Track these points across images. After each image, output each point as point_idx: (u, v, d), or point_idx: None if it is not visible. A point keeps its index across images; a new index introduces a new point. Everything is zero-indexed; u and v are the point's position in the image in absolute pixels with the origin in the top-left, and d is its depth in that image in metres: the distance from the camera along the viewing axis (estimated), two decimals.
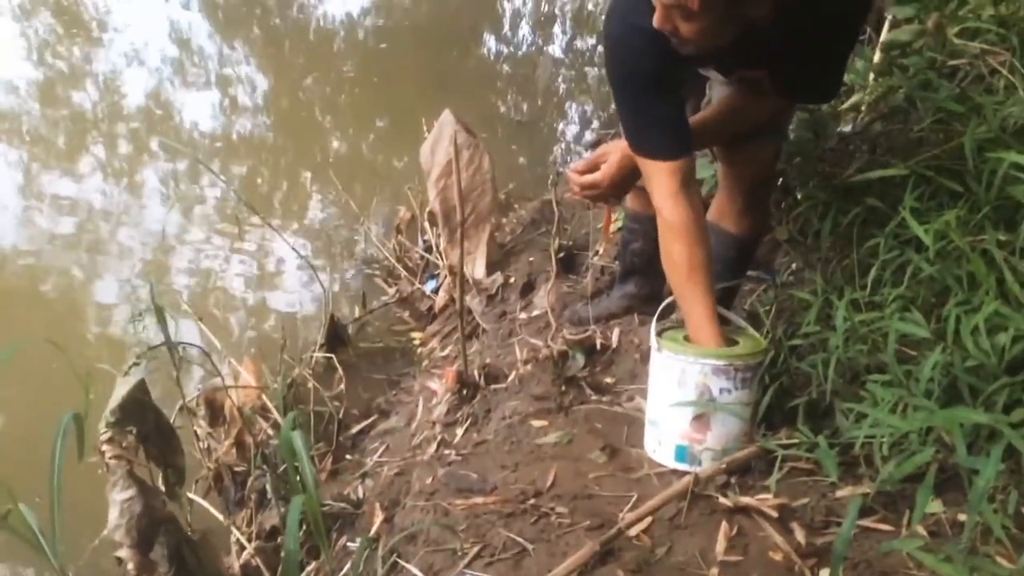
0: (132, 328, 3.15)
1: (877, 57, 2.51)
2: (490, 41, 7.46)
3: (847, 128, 2.50)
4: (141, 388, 2.02)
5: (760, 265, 2.65)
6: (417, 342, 3.49)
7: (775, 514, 1.64)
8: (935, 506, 1.53)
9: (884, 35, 2.57)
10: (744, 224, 2.13)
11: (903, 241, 1.85)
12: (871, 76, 2.51)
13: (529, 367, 2.51)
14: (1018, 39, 2.06)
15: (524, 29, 7.87)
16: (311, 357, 3.12)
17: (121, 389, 1.99)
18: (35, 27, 6.87)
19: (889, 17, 2.54)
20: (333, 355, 3.10)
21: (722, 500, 1.70)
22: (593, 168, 2.06)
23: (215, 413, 2.60)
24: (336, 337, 3.33)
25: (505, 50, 7.37)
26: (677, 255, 1.83)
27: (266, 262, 4.11)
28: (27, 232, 4.18)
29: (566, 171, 2.10)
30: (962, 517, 1.50)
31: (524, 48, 7.38)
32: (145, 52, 6.41)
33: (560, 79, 6.67)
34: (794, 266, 2.32)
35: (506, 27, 7.92)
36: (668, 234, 1.85)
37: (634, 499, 1.78)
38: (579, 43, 7.32)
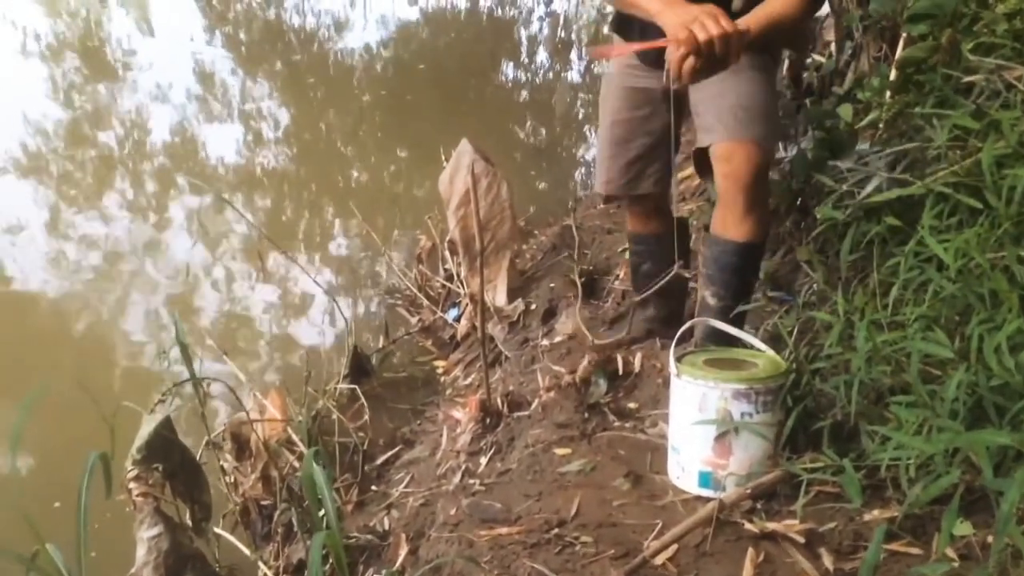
0: (158, 364, 3.18)
1: (893, 75, 2.51)
2: (508, 69, 7.53)
3: (865, 146, 2.49)
4: (167, 425, 2.05)
5: (781, 286, 2.64)
6: (440, 371, 3.50)
7: (802, 539, 1.62)
8: (964, 528, 1.50)
9: (899, 53, 2.56)
10: (745, 228, 2.13)
11: (923, 259, 1.83)
12: (887, 94, 2.50)
13: (552, 394, 2.50)
14: None
15: (541, 56, 7.94)
16: (335, 388, 3.14)
17: (147, 426, 2.02)
18: (62, 68, 7.03)
19: (903, 35, 2.53)
20: (357, 386, 3.11)
21: (748, 526, 1.68)
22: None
23: (241, 447, 2.62)
24: (360, 368, 3.35)
25: (523, 77, 7.43)
26: None
27: (289, 294, 4.14)
28: (54, 270, 4.25)
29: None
30: (992, 540, 1.47)
31: (541, 75, 7.44)
32: (169, 90, 6.53)
33: (578, 104, 6.71)
34: (815, 287, 2.30)
35: (523, 55, 8.00)
36: None
37: (659, 527, 1.77)
38: (596, 68, 7.36)
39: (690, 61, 1.85)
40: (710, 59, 1.85)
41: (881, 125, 2.55)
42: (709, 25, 1.82)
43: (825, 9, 3.24)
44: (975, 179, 1.83)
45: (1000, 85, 2.01)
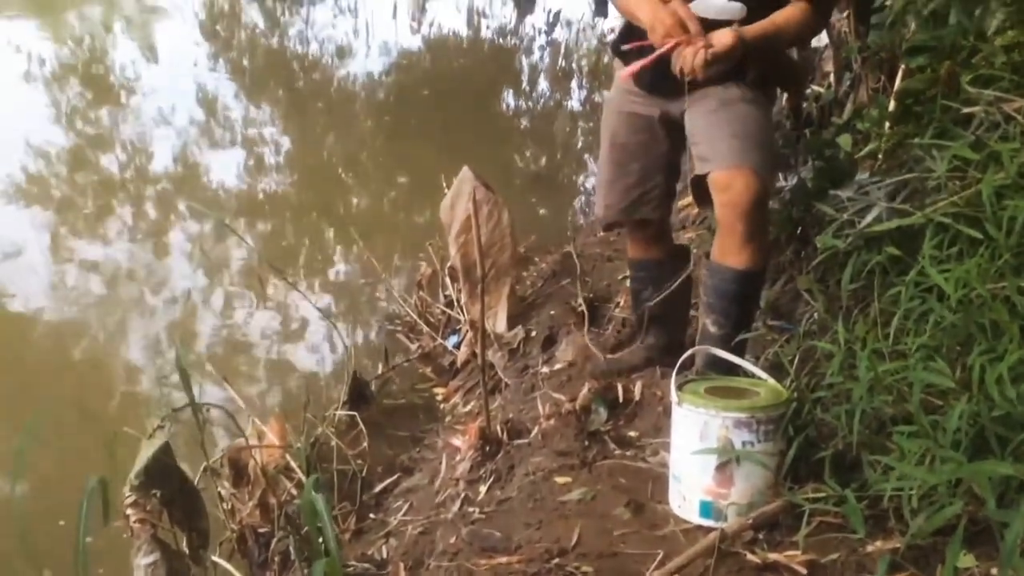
0: (157, 389, 3.18)
1: (892, 105, 2.53)
2: (508, 97, 7.57)
3: (864, 176, 2.50)
4: (165, 451, 2.04)
5: (782, 315, 2.64)
6: (440, 398, 3.49)
7: (804, 571, 1.61)
8: (967, 560, 1.49)
9: (898, 84, 2.59)
10: (745, 256, 2.14)
11: (924, 289, 1.84)
12: (887, 124, 2.52)
13: (552, 422, 2.50)
14: None
15: (542, 84, 7.99)
16: (334, 415, 3.12)
17: (146, 452, 2.01)
18: (65, 94, 7.07)
19: (902, 67, 2.56)
20: (356, 412, 3.10)
21: (750, 557, 1.67)
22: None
23: (239, 473, 2.60)
24: (359, 394, 3.34)
25: (523, 105, 7.47)
26: None
27: (289, 320, 4.14)
28: (54, 295, 4.25)
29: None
30: (995, 571, 1.46)
31: (542, 103, 7.49)
32: (172, 115, 6.56)
33: (578, 132, 6.74)
34: (816, 316, 2.30)
35: (524, 83, 8.04)
36: None
37: (660, 557, 1.76)
38: (596, 97, 7.41)
39: (690, 55, 1.99)
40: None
41: (881, 155, 2.56)
42: (666, 19, 2.01)
43: (824, 40, 3.28)
44: (975, 209, 1.84)
45: (999, 117, 2.03)
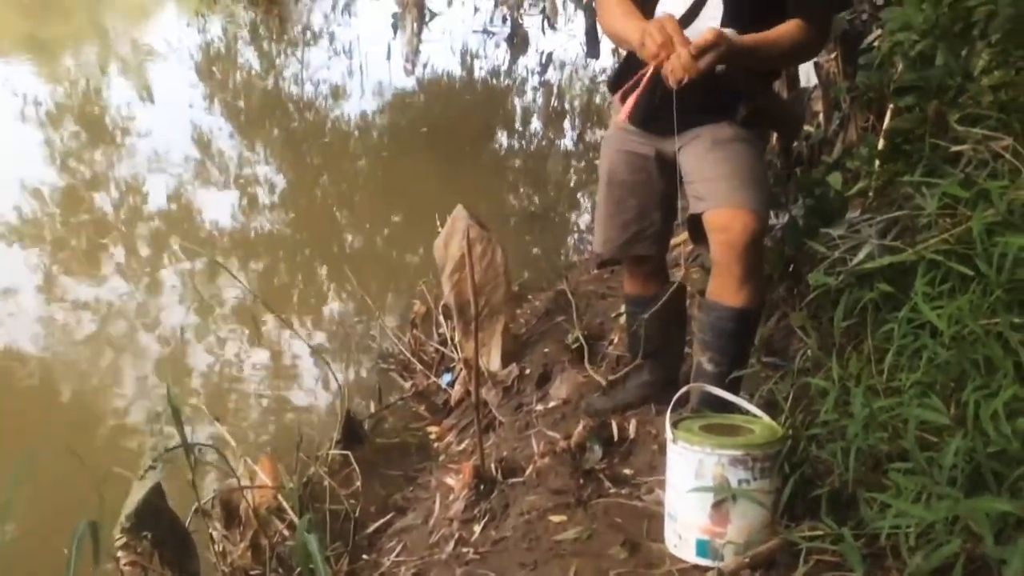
0: (149, 429, 3.15)
1: (881, 144, 2.55)
2: (502, 136, 7.64)
3: (855, 214, 2.52)
4: (156, 492, 2.02)
5: (775, 352, 2.64)
6: (433, 437, 3.47)
7: None
8: None
9: (887, 123, 2.62)
10: (743, 295, 2.14)
11: (917, 326, 1.84)
12: (876, 163, 2.55)
13: (547, 460, 2.48)
14: (1020, 124, 2.09)
15: (535, 124, 8.07)
16: (327, 454, 3.10)
17: (136, 494, 1.99)
18: (60, 134, 7.10)
19: (890, 106, 2.59)
20: (349, 452, 3.08)
21: None
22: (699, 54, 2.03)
23: (231, 515, 2.58)
24: (352, 433, 3.32)
25: (517, 144, 7.54)
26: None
27: (282, 358, 4.12)
28: (45, 334, 4.23)
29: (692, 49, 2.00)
30: None
31: (535, 143, 7.55)
32: (167, 156, 6.59)
33: (571, 171, 6.79)
34: (809, 353, 2.30)
35: (517, 122, 8.12)
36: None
37: None
38: (588, 136, 7.48)
39: (675, 60, 1.97)
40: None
41: (871, 193, 2.58)
42: (655, 34, 1.99)
43: (813, 80, 3.32)
44: (966, 247, 1.85)
45: (987, 155, 2.05)
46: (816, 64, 3.23)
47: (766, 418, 1.95)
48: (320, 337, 4.32)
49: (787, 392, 2.06)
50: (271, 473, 2.77)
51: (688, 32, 2.04)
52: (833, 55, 3.18)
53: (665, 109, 2.08)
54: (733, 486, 1.77)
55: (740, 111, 2.19)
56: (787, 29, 2.11)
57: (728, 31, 2.07)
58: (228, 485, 2.62)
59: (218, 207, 5.84)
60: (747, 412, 2.01)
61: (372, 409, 3.66)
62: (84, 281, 4.80)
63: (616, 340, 3.20)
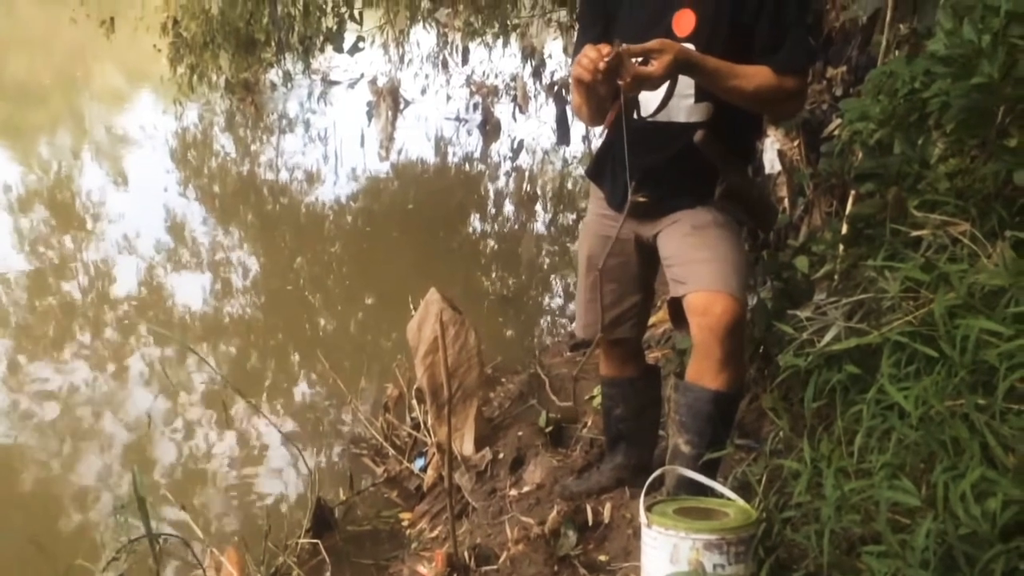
0: (114, 519, 3.07)
1: (845, 229, 2.62)
2: (475, 220, 7.73)
3: (822, 296, 2.57)
4: None
5: (748, 433, 2.65)
6: (406, 523, 3.41)
7: None
8: None
9: (849, 208, 2.69)
10: (722, 378, 2.15)
11: (886, 407, 1.86)
12: (840, 247, 2.60)
13: (521, 547, 2.45)
14: (976, 210, 2.16)
15: (508, 208, 8.18)
16: (296, 543, 3.04)
17: None
18: (29, 219, 7.09)
19: (852, 192, 2.67)
20: (319, 540, 3.02)
21: None
22: (646, 58, 1.98)
23: None
24: (322, 521, 3.25)
25: (489, 228, 7.63)
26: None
27: (252, 445, 4.06)
28: (9, 421, 4.14)
29: (623, 49, 1.94)
30: None
31: (507, 226, 7.64)
32: (138, 240, 6.59)
33: (543, 254, 6.87)
34: (781, 434, 2.31)
35: (490, 207, 8.24)
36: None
37: None
38: (561, 219, 7.59)
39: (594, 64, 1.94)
40: (612, 75, 1.94)
41: (836, 276, 2.63)
42: (583, 61, 1.95)
43: (777, 167, 3.42)
44: (929, 328, 1.89)
45: (946, 239, 2.10)
46: (780, 152, 3.33)
47: (740, 501, 1.94)
48: (291, 422, 4.27)
49: (760, 474, 2.06)
50: (238, 565, 2.70)
51: (665, 111, 2.10)
52: (796, 143, 3.28)
53: (640, 190, 2.14)
54: (708, 571, 1.76)
55: (717, 190, 2.21)
56: (756, 69, 2.09)
57: (703, 104, 2.14)
58: None
59: (190, 291, 5.82)
60: (722, 495, 2.00)
61: (343, 496, 3.60)
62: (50, 367, 4.73)
63: (590, 423, 3.20)
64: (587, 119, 2.25)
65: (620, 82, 1.95)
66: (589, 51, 1.94)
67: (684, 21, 2.12)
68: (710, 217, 2.22)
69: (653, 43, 1.94)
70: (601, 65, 1.91)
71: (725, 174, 2.21)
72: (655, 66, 1.93)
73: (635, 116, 2.15)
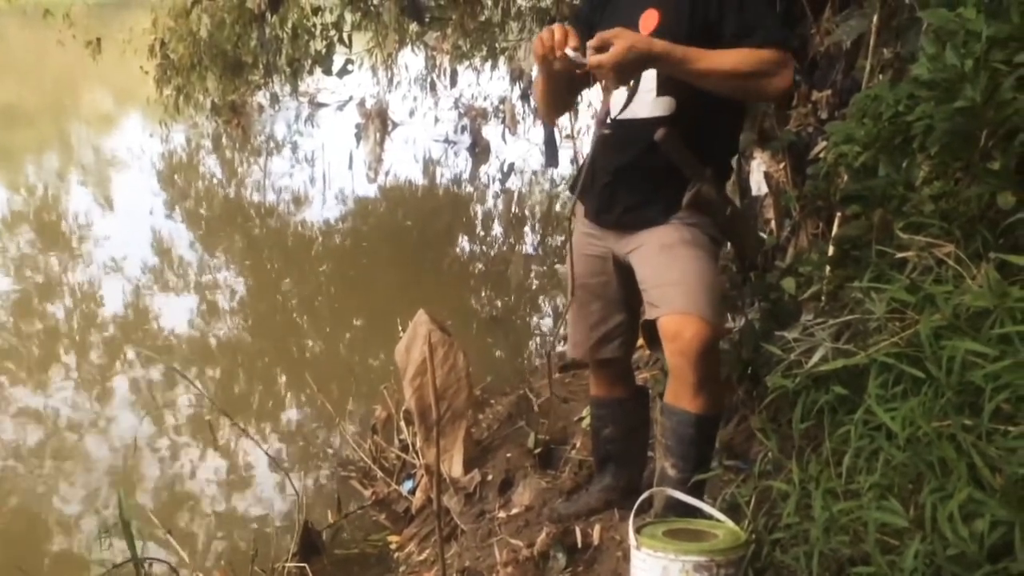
0: (99, 543, 3.04)
1: (831, 251, 2.64)
2: (463, 242, 7.74)
3: (810, 317, 2.58)
4: None
5: (737, 455, 2.65)
6: (394, 546, 3.38)
7: None
8: None
9: (835, 230, 2.71)
10: (699, 401, 2.15)
11: (873, 428, 1.86)
12: (827, 268, 2.62)
13: (510, 569, 2.43)
14: (960, 232, 2.18)
15: (496, 230, 8.20)
16: (283, 567, 3.01)
17: None
18: (15, 241, 7.05)
19: (838, 214, 2.69)
20: (306, 564, 2.99)
21: None
22: (603, 47, 1.98)
23: None
24: (310, 544, 3.23)
25: (478, 250, 7.64)
26: None
27: (239, 467, 4.03)
28: None
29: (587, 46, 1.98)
30: None
31: (496, 247, 7.66)
32: (125, 262, 6.57)
33: (532, 275, 6.88)
34: (770, 455, 2.31)
35: (479, 228, 8.25)
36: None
37: None
38: (549, 240, 7.61)
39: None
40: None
41: (823, 297, 2.65)
42: (541, 35, 2.01)
43: (764, 189, 3.45)
44: (915, 349, 1.90)
45: (932, 261, 2.12)
46: (766, 174, 3.35)
47: (729, 523, 1.94)
48: (278, 444, 4.24)
49: (749, 495, 2.06)
50: None
51: (629, 108, 2.10)
52: (782, 165, 3.31)
53: (614, 194, 2.19)
54: None
55: (685, 197, 2.20)
56: (733, 50, 2.05)
57: (665, 99, 2.14)
58: None
59: (177, 313, 5.80)
60: (711, 517, 2.00)
61: (331, 519, 3.57)
62: (36, 389, 4.70)
63: (579, 444, 3.19)
64: (543, 111, 2.29)
65: (577, 71, 2.00)
66: (545, 30, 2.01)
67: (648, 20, 2.13)
68: (678, 235, 2.20)
69: (610, 32, 1.96)
70: (557, 36, 1.98)
71: (694, 182, 2.19)
72: (610, 52, 1.94)
73: (607, 120, 2.14)
